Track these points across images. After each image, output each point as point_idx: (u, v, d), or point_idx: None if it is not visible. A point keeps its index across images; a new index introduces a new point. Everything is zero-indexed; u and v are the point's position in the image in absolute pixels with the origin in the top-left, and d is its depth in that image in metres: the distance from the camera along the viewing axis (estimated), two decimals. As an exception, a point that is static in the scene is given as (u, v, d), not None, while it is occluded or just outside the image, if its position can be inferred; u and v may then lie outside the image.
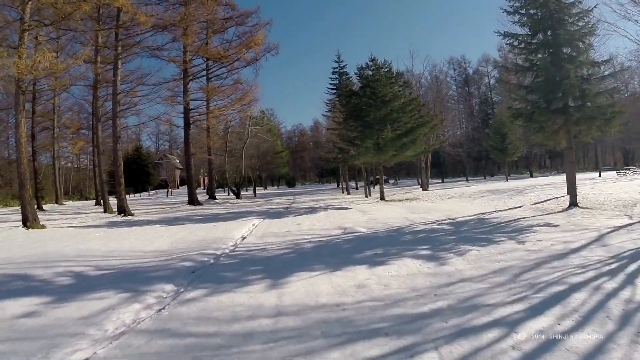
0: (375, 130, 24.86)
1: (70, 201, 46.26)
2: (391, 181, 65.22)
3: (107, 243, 11.57)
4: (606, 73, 14.34)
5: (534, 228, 10.13)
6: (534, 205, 16.04)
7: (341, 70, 50.21)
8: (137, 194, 57.80)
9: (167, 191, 55.97)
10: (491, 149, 46.74)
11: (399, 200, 25.25)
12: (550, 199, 17.68)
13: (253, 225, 15.22)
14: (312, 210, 20.94)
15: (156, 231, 14.28)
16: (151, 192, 60.84)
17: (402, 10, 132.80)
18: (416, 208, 18.63)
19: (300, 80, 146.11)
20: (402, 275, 6.26)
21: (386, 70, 26.16)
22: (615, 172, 37.98)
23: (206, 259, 8.61)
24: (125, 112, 34.81)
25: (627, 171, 37.18)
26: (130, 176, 62.22)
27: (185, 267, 7.78)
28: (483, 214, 14.39)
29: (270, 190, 71.12)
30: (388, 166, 33.58)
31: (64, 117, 40.46)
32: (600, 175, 35.03)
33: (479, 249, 7.82)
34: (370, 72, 26.26)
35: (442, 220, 13.12)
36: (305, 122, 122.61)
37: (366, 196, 32.67)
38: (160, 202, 36.96)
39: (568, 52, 14.43)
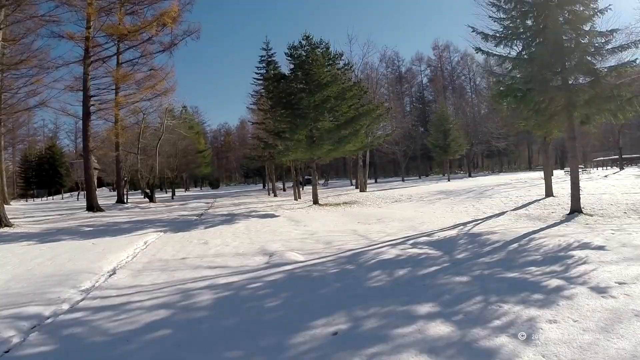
0: (309, 120, 20.74)
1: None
2: (321, 181, 61.74)
3: None
4: (618, 43, 10.91)
5: (574, 254, 6.42)
6: (518, 212, 12.62)
7: (269, 59, 45.53)
8: (50, 197, 50.12)
9: (78, 194, 48.72)
10: (432, 147, 44.18)
11: (336, 205, 21.30)
12: (530, 203, 14.42)
13: (144, 243, 10.88)
14: (230, 218, 16.56)
15: (7, 255, 9.54)
16: (65, 195, 53.11)
17: (335, 10, 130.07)
18: (363, 216, 14.74)
19: (229, 79, 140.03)
20: None
21: (323, 49, 22.13)
22: (562, 171, 36.47)
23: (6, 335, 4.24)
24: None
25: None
26: (42, 178, 56.03)
27: None
28: (464, 225, 10.66)
29: (192, 192, 65.73)
30: (321, 164, 29.57)
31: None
32: (552, 175, 32.85)
33: (550, 316, 3.94)
34: (303, 53, 22.08)
35: (414, 237, 9.19)
36: (232, 122, 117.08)
37: (296, 199, 28.61)
38: (64, 207, 30.61)
39: (567, 17, 11.04)
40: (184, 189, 67.53)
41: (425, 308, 4.34)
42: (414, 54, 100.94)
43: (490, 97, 13.05)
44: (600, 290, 4.54)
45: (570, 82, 10.86)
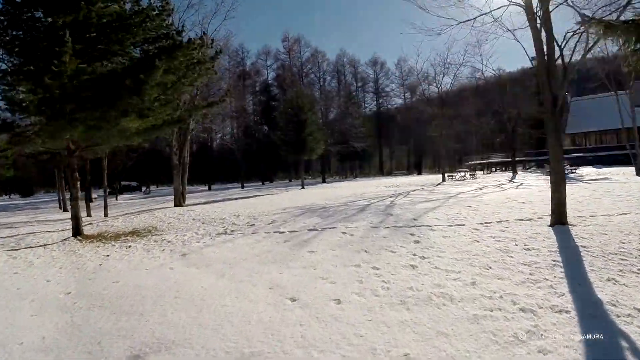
0: (39, 55, 10.02)
1: None
2: (143, 188, 49.50)
3: None
4: None
5: None
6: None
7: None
8: None
9: None
10: (281, 144, 34.83)
11: (115, 237, 10.99)
12: (570, 252, 6.06)
13: None
14: None
15: None
16: None
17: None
18: (118, 306, 4.99)
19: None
20: None
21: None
22: (457, 174, 31.95)
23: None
24: None
25: (462, 174, 32.42)
26: None
27: None
28: None
29: (-4, 202, 46.03)
30: (99, 155, 18.07)
31: None
32: (444, 180, 27.31)
33: None
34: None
35: None
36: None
37: (88, 215, 18.20)
38: None
39: None
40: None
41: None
42: (261, 47, 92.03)
43: None
44: None
45: None
